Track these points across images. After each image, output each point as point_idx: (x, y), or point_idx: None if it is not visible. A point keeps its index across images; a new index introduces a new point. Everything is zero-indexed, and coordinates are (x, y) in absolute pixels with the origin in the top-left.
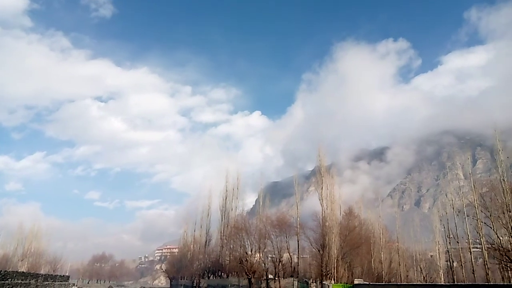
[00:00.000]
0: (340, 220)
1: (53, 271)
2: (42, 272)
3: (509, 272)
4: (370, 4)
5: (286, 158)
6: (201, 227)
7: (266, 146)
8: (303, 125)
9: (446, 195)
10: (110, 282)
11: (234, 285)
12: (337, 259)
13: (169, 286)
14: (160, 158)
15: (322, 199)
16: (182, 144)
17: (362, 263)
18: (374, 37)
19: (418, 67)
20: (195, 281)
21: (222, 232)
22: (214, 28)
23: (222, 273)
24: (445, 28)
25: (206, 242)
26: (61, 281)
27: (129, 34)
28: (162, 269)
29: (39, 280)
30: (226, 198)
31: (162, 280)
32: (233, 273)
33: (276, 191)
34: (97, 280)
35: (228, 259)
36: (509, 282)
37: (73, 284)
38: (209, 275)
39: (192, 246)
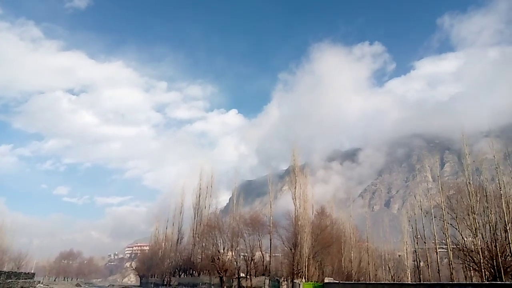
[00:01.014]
0: (312, 219)
1: (18, 268)
2: (5, 269)
3: (472, 271)
4: (348, 7)
5: (260, 157)
6: (173, 224)
7: (241, 145)
8: (279, 124)
9: (415, 196)
10: (78, 279)
11: (205, 283)
12: (308, 258)
13: (139, 284)
14: (132, 154)
15: (295, 198)
16: (155, 140)
17: (332, 262)
18: (351, 39)
19: (392, 71)
20: (165, 279)
21: (195, 230)
22: (192, 24)
23: (194, 272)
24: (419, 34)
25: (178, 240)
26: (26, 279)
27: (104, 26)
28: (132, 267)
29: (1, 278)
30: (199, 196)
31: (132, 278)
32: (204, 272)
33: (250, 190)
34: (64, 278)
35: (200, 257)
36: (471, 281)
37: (39, 282)
38: (180, 273)
39: (163, 244)
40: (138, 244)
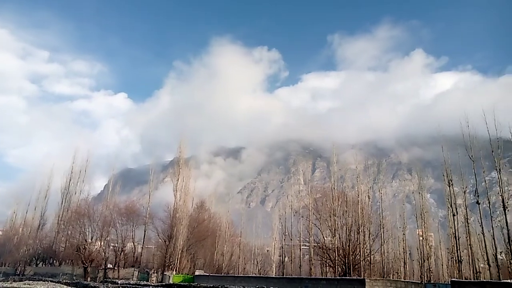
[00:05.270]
0: (191, 212)
1: None
2: None
3: (327, 267)
4: (251, 8)
5: (144, 145)
6: (35, 209)
7: (125, 129)
8: (168, 113)
9: (287, 197)
10: None
11: (67, 273)
12: (182, 251)
13: None
14: None
15: (176, 190)
16: (26, 114)
17: (205, 255)
18: (251, 41)
19: (284, 78)
20: (19, 268)
21: (61, 216)
22: None
23: (55, 261)
24: (312, 47)
25: (39, 226)
26: None
27: None
28: None
29: None
30: (70, 179)
31: None
32: (67, 261)
33: (129, 178)
34: None
35: (64, 246)
36: (326, 275)
37: None
38: (38, 262)
39: (21, 229)
40: None
